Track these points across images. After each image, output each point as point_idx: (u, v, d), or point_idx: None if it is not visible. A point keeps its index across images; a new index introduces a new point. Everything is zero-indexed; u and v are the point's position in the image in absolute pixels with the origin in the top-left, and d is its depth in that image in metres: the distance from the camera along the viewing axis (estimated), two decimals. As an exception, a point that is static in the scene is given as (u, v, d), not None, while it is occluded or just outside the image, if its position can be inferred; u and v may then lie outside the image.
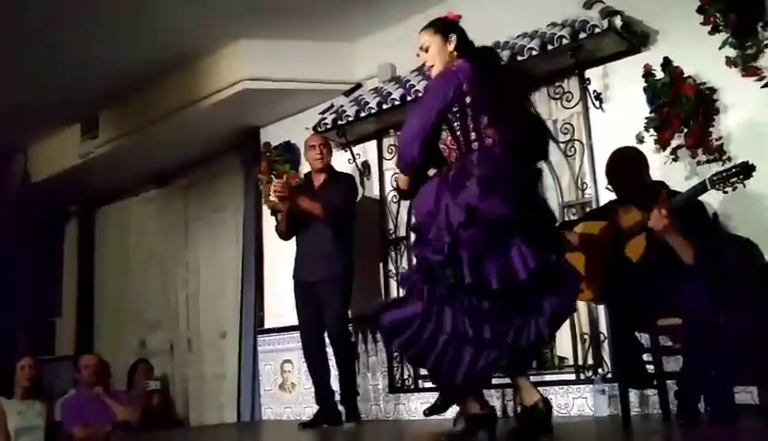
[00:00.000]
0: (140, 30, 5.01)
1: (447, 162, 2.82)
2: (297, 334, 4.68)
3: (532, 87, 4.05)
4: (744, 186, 2.98)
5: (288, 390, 5.50)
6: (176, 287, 6.73)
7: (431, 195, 2.76)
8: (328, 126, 4.98)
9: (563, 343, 4.08)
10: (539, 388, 2.79)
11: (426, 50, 2.94)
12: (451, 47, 2.90)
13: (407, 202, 4.38)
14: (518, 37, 4.27)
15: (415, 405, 4.60)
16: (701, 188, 3.03)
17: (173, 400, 6.26)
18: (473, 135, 2.74)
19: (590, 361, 3.95)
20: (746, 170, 2.93)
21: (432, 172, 2.92)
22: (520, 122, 2.82)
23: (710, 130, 3.69)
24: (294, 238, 4.65)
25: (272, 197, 4.58)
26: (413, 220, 3.00)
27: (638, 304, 3.13)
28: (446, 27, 2.95)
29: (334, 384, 4.49)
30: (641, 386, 3.39)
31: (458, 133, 2.77)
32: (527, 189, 2.81)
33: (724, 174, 2.97)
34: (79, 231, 7.82)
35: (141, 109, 6.01)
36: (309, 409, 4.78)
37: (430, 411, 3.96)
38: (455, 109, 2.76)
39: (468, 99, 2.75)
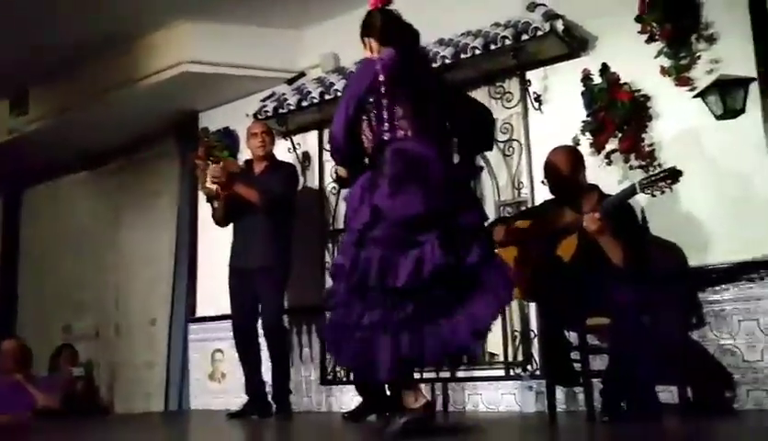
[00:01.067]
0: (76, 3, 4.82)
1: (367, 153, 2.80)
2: (228, 324, 4.60)
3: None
4: (671, 191, 3.08)
5: (217, 380, 5.42)
6: (106, 271, 6.54)
7: (357, 193, 2.75)
8: (269, 114, 4.92)
9: (494, 339, 4.13)
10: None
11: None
12: (367, 52, 2.91)
13: (346, 193, 4.36)
14: (462, 35, 4.30)
15: (347, 398, 4.59)
16: (631, 191, 3.12)
17: (97, 386, 6.10)
18: (386, 126, 2.72)
19: (519, 358, 4.01)
20: (674, 175, 3.03)
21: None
22: (451, 114, 2.83)
23: (643, 136, 3.79)
24: (231, 226, 4.59)
25: (209, 184, 4.49)
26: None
27: (568, 303, 3.18)
28: (363, 28, 2.93)
29: (266, 375, 4.45)
30: (569, 383, 3.44)
31: (374, 123, 2.75)
32: (452, 186, 2.71)
33: (653, 177, 3.06)
34: (4, 210, 7.57)
35: (75, 87, 5.81)
36: (238, 399, 4.71)
37: (350, 415, 3.94)
38: (371, 99, 2.74)
39: (382, 89, 2.73)
